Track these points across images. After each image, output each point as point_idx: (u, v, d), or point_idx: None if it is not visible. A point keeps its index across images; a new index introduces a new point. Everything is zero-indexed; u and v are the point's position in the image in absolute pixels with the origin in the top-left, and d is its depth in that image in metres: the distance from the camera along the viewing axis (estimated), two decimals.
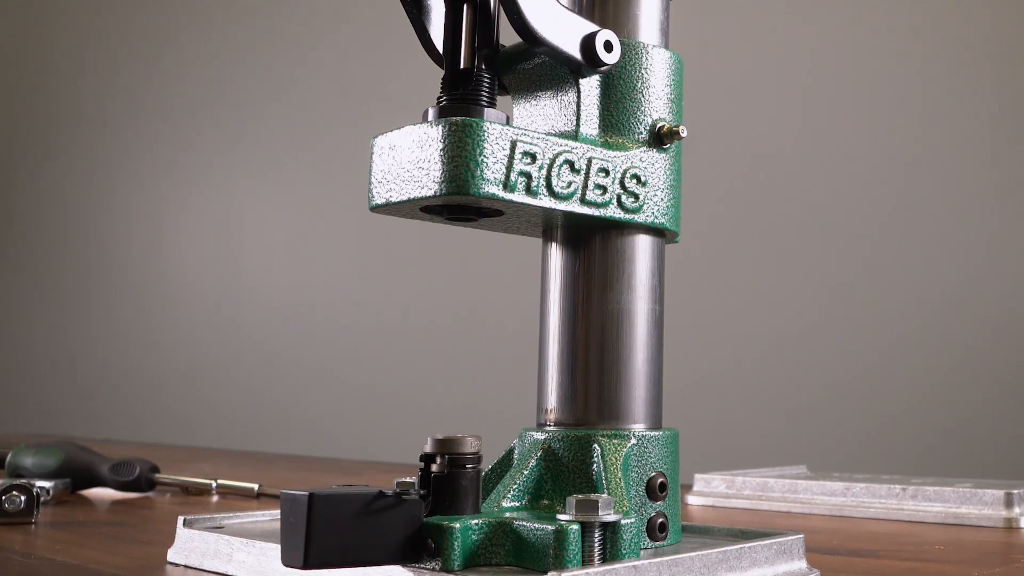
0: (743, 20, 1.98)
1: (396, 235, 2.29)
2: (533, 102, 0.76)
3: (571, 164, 0.70)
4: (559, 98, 0.74)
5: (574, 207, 0.70)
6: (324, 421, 2.45)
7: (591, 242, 0.74)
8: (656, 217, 0.74)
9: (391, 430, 2.32)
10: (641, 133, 0.74)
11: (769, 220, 1.92)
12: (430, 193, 0.67)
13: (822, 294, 1.86)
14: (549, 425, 0.75)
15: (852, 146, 1.86)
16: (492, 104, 0.71)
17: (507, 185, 0.67)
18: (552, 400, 0.75)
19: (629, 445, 0.72)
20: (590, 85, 0.73)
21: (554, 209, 0.70)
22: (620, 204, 0.72)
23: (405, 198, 0.69)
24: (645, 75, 0.75)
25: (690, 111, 0.81)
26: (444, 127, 0.66)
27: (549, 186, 0.69)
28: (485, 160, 0.66)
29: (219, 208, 2.70)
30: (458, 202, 0.68)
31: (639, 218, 0.73)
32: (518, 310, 1.98)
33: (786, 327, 1.88)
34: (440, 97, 0.71)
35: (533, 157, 0.68)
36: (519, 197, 0.68)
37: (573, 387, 0.74)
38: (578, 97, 0.73)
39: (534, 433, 0.75)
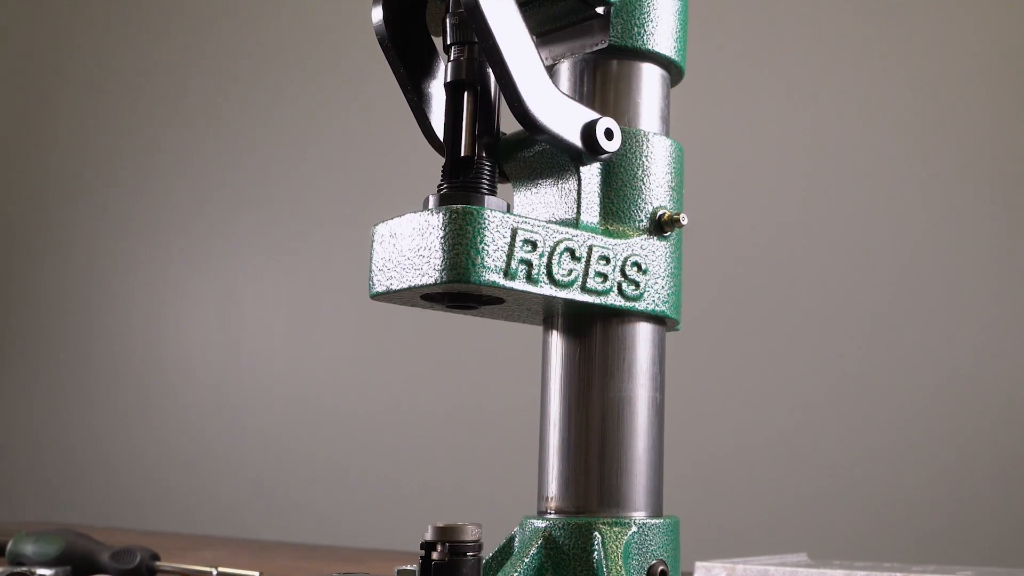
0: (743, 107, 1.99)
1: (397, 322, 2.29)
2: (534, 189, 0.76)
3: (572, 252, 0.70)
4: (560, 186, 0.74)
5: (575, 295, 0.70)
6: (325, 508, 2.44)
7: (592, 330, 0.74)
8: (657, 305, 0.74)
9: (392, 517, 2.31)
10: (642, 221, 0.74)
11: (769, 307, 1.92)
12: (431, 281, 0.67)
13: (822, 382, 1.85)
14: (550, 513, 0.74)
15: (852, 233, 1.86)
16: (493, 192, 0.71)
17: (508, 273, 0.67)
18: (553, 488, 0.75)
19: (630, 533, 0.71)
20: (591, 173, 0.73)
21: (555, 297, 0.70)
22: (621, 292, 0.72)
23: (406, 286, 0.69)
24: (646, 163, 0.75)
25: (691, 198, 0.81)
26: (445, 215, 0.67)
27: (550, 274, 0.69)
28: (486, 248, 0.66)
29: (219, 294, 2.70)
30: (459, 290, 0.68)
31: (640, 306, 0.73)
32: (519, 397, 1.98)
33: (786, 414, 1.88)
34: (441, 185, 0.72)
35: (534, 245, 0.68)
36: (520, 285, 0.68)
37: (574, 475, 0.74)
38: (579, 185, 0.73)
39: (535, 521, 0.74)
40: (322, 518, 2.44)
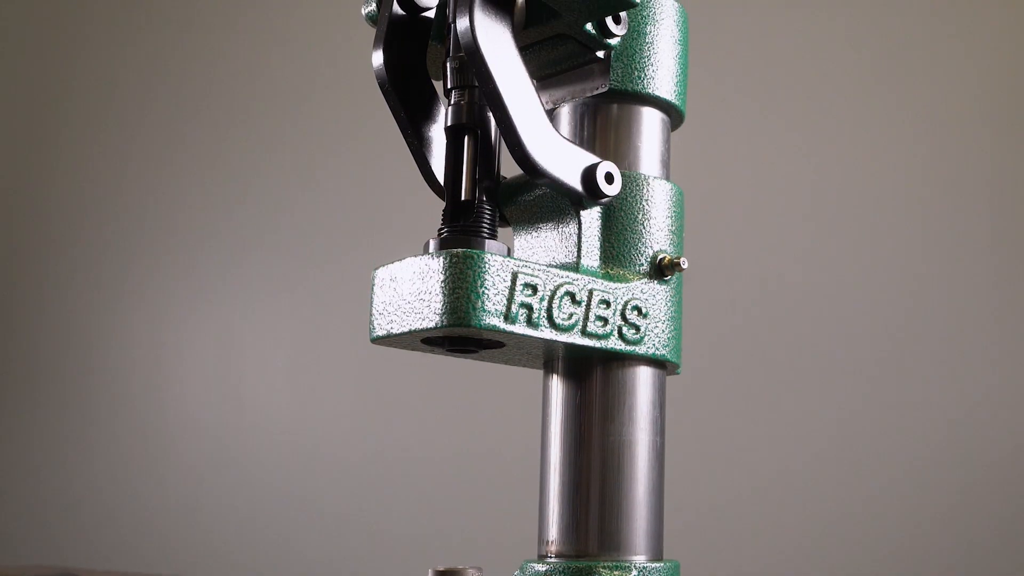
0: (744, 151, 1.99)
1: (397, 366, 2.28)
2: (534, 233, 0.76)
3: (572, 296, 0.70)
4: (560, 229, 0.74)
5: (575, 339, 0.70)
6: (325, 553, 2.43)
7: (592, 373, 0.74)
8: (657, 349, 0.74)
9: (393, 562, 2.30)
10: (642, 265, 0.74)
11: (771, 352, 1.92)
12: (431, 325, 0.67)
13: (824, 427, 1.85)
14: (550, 556, 0.74)
15: (854, 278, 1.86)
16: (493, 236, 0.71)
17: (508, 317, 0.67)
18: (553, 531, 0.74)
19: None
20: (591, 217, 0.74)
21: (555, 341, 0.70)
22: (621, 336, 0.72)
23: (406, 330, 0.69)
24: (646, 207, 0.75)
25: (691, 242, 0.81)
26: (445, 259, 0.67)
27: (550, 318, 0.69)
28: (486, 292, 0.66)
29: (219, 337, 2.70)
30: (459, 334, 0.68)
31: (640, 350, 0.73)
32: (519, 441, 1.97)
33: (788, 460, 1.87)
34: (441, 229, 0.72)
35: (534, 289, 0.68)
36: (520, 329, 0.68)
37: (574, 518, 0.73)
38: (579, 229, 0.73)
39: (535, 564, 0.74)
40: (322, 564, 2.43)
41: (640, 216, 0.75)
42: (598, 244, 0.74)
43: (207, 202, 2.76)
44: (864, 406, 1.82)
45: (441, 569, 0.64)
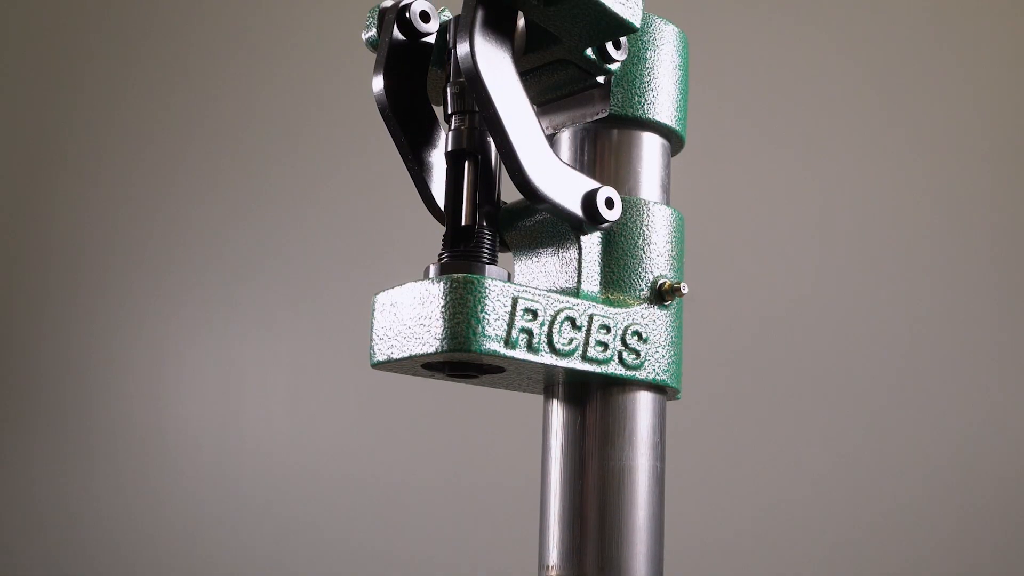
0: (744, 176, 1.99)
1: (398, 391, 2.28)
2: (534, 259, 0.76)
3: (572, 321, 0.70)
4: (560, 255, 0.74)
5: (575, 364, 0.70)
6: None
7: (592, 398, 0.74)
8: (657, 374, 0.74)
9: None
10: (642, 290, 0.74)
11: (772, 377, 1.91)
12: (431, 350, 0.67)
13: (826, 453, 1.85)
14: None
15: (856, 304, 1.86)
16: (493, 261, 0.71)
17: (508, 342, 0.67)
18: (553, 556, 0.74)
19: None
20: (591, 242, 0.74)
21: (555, 366, 0.70)
22: (621, 361, 0.72)
23: (406, 355, 0.69)
24: (646, 232, 0.75)
25: (692, 268, 0.81)
26: (445, 284, 0.67)
27: (551, 343, 0.69)
28: (487, 317, 0.66)
29: (219, 364, 2.70)
30: (459, 359, 0.68)
31: (640, 375, 0.73)
32: (520, 466, 1.97)
33: (789, 486, 1.87)
34: (441, 254, 0.72)
35: (535, 314, 0.68)
36: (520, 354, 0.68)
37: (574, 543, 0.73)
38: (579, 254, 0.73)
39: None
40: None
41: (640, 241, 0.75)
42: (598, 269, 0.74)
43: (208, 226, 2.76)
44: (867, 432, 1.82)
45: None
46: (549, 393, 0.76)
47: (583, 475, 0.73)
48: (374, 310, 0.72)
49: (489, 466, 2.21)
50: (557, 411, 0.75)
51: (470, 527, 2.22)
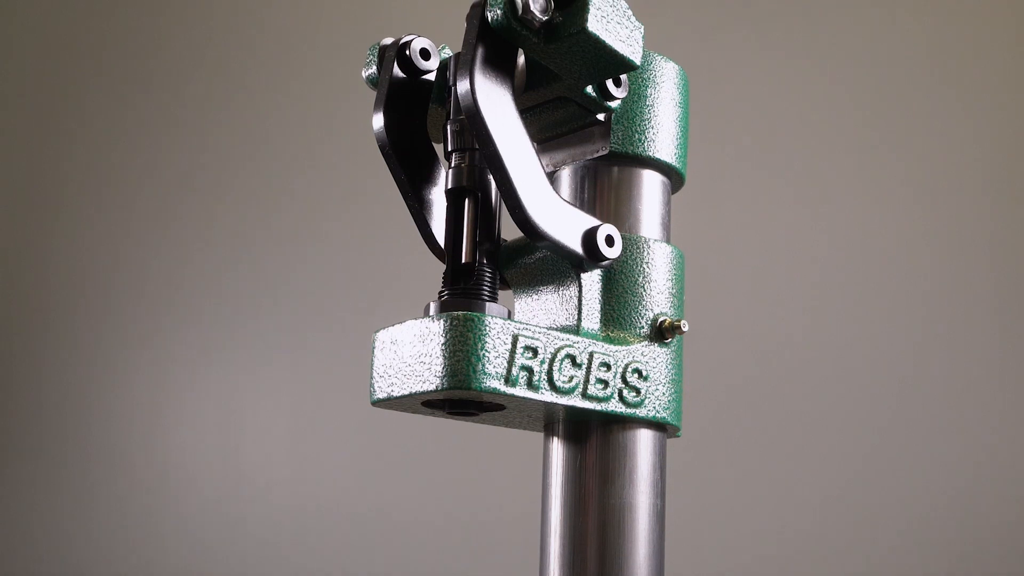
0: (744, 214, 1.99)
1: (397, 429, 2.28)
2: (535, 296, 0.76)
3: (573, 359, 0.70)
4: (561, 292, 0.74)
5: (576, 401, 0.70)
6: None
7: (592, 436, 0.74)
8: (658, 412, 0.74)
9: None
10: (643, 327, 0.74)
11: (771, 415, 1.91)
12: (431, 387, 0.67)
13: (826, 491, 1.84)
14: None
15: (856, 340, 1.86)
16: (494, 298, 0.71)
17: (509, 380, 0.67)
18: None
19: None
20: (592, 279, 0.74)
21: (556, 403, 0.69)
22: (622, 398, 0.72)
23: (406, 392, 0.68)
24: (646, 269, 0.75)
25: (692, 305, 0.81)
26: (445, 321, 0.67)
27: (551, 380, 0.69)
28: (487, 354, 0.66)
29: (219, 402, 2.69)
30: (460, 396, 0.68)
31: (641, 412, 0.73)
32: (520, 503, 1.97)
33: (790, 524, 1.86)
34: (442, 291, 0.72)
35: (535, 351, 0.68)
36: (521, 391, 0.68)
37: None
38: (580, 291, 0.73)
39: None
40: None
41: (641, 279, 0.75)
42: (599, 307, 0.74)
43: (206, 267, 2.76)
44: (866, 470, 1.81)
45: None
46: (549, 430, 0.76)
47: (583, 513, 0.73)
48: (374, 347, 0.71)
49: (490, 503, 2.20)
50: (557, 449, 0.75)
51: (471, 564, 2.21)
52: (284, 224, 2.64)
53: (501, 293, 0.74)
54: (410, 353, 0.68)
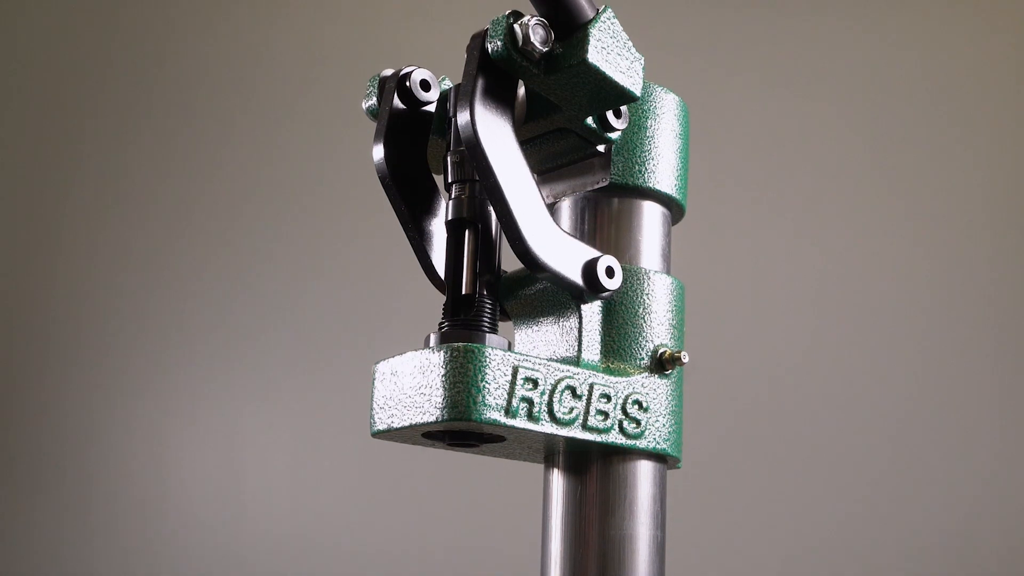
0: (744, 245, 1.99)
1: (398, 461, 2.27)
2: (535, 327, 0.76)
3: (573, 390, 0.70)
4: (561, 323, 0.74)
5: (576, 433, 0.70)
6: None
7: (592, 467, 0.73)
8: (658, 443, 0.73)
9: None
10: (643, 359, 0.74)
11: (772, 446, 1.91)
12: (431, 419, 0.66)
13: (825, 521, 1.84)
14: None
15: (856, 373, 1.86)
16: (494, 330, 0.71)
17: (509, 411, 0.67)
18: None
19: None
20: (592, 311, 0.73)
21: (556, 435, 0.69)
22: (622, 430, 0.72)
23: (407, 424, 0.68)
24: (647, 301, 0.75)
25: (692, 336, 0.81)
26: (446, 353, 0.66)
27: (551, 412, 0.69)
28: (487, 386, 0.66)
29: (220, 433, 2.68)
30: (460, 428, 0.68)
31: (641, 444, 0.73)
32: (520, 535, 1.96)
33: (790, 554, 1.86)
34: (442, 323, 0.72)
35: (535, 383, 0.68)
36: (521, 423, 0.67)
37: None
38: (580, 323, 0.73)
39: None
40: None
41: (641, 310, 0.74)
42: (599, 338, 0.73)
43: (209, 295, 2.76)
44: (871, 496, 1.81)
45: None
46: (549, 462, 0.76)
47: (584, 545, 0.73)
48: (374, 379, 0.71)
49: (489, 535, 2.20)
50: (557, 480, 0.75)
51: None
52: (284, 256, 2.64)
53: (501, 324, 0.74)
54: (410, 384, 0.68)
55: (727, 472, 1.93)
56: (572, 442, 0.71)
